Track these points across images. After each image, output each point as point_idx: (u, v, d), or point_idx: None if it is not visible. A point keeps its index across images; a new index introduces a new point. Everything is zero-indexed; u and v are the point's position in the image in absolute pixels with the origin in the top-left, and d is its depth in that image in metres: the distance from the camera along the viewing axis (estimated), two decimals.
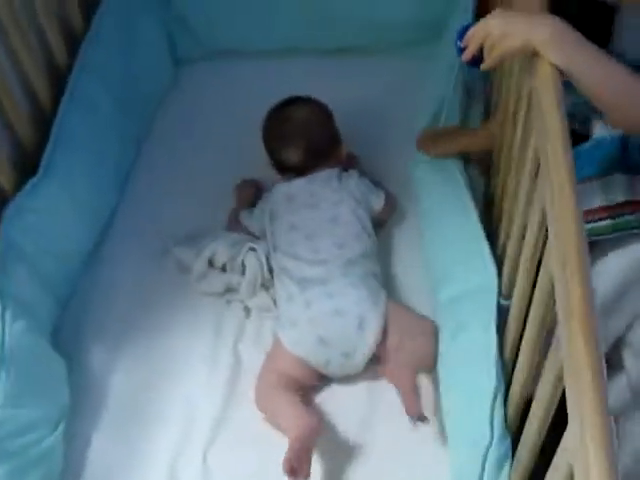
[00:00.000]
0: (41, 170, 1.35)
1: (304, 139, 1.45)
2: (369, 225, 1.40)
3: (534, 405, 0.90)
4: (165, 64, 1.77)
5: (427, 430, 1.18)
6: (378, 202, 1.45)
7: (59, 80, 1.50)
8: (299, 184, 1.43)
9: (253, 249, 1.37)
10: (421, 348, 1.25)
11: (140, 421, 1.24)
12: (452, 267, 1.31)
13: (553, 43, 0.98)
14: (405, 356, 1.22)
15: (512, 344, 1.12)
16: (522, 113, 1.11)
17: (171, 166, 1.62)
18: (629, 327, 1.14)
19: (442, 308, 1.29)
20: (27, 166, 1.37)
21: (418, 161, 1.50)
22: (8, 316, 1.15)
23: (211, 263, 1.40)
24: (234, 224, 1.48)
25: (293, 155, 1.45)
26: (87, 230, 1.43)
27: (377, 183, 1.50)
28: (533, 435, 0.91)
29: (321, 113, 1.48)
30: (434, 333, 1.26)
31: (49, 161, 1.37)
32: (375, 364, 1.27)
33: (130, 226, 1.50)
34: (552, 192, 0.85)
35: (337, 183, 1.43)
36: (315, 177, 1.43)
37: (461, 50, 1.10)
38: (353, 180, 1.45)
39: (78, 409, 1.23)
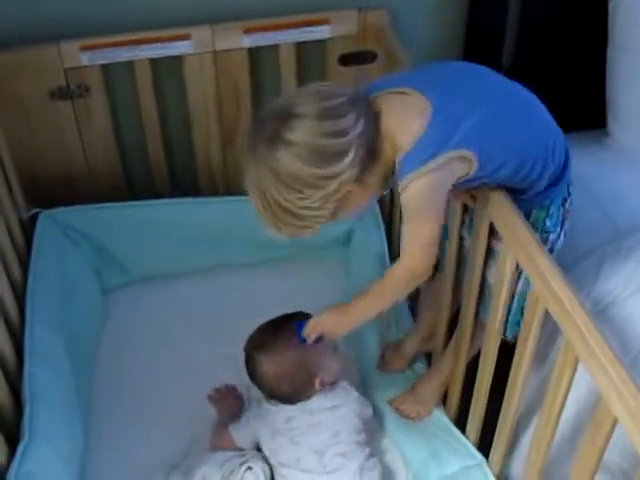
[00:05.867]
0: (26, 433, 1.33)
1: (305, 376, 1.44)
2: (365, 435, 1.47)
3: None
4: (96, 296, 1.82)
5: None
6: (369, 410, 1.51)
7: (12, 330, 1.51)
8: (296, 407, 1.45)
9: (250, 468, 1.41)
10: None
11: None
12: (437, 452, 1.44)
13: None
14: None
15: None
16: None
17: (124, 397, 1.63)
18: None
19: None
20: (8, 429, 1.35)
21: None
22: None
23: None
24: (221, 438, 1.50)
25: (287, 388, 1.44)
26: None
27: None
28: None
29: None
30: None
31: (30, 422, 1.35)
32: None
33: (108, 473, 1.49)
34: None
35: (334, 401, 1.46)
36: (310, 400, 1.45)
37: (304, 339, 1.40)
38: (352, 395, 1.49)
39: None
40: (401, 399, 1.55)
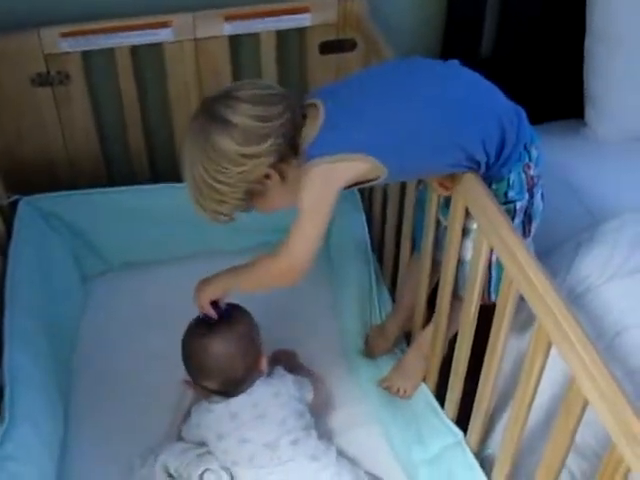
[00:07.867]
0: (6, 416, 1.34)
1: (224, 373, 1.43)
2: (310, 418, 1.49)
3: None
4: (76, 283, 1.83)
5: None
6: (309, 394, 1.53)
7: None
8: (239, 401, 1.44)
9: (208, 469, 1.40)
10: None
11: None
12: (420, 434, 1.46)
13: None
14: None
15: None
16: None
17: (104, 384, 1.64)
18: None
19: (419, 467, 1.44)
20: None
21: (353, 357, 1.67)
22: None
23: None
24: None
25: (213, 385, 1.44)
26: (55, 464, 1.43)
27: (300, 369, 1.61)
28: None
29: (243, 335, 1.46)
30: None
31: (11, 405, 1.36)
32: None
33: (88, 457, 1.50)
34: None
35: (275, 387, 1.47)
36: (252, 390, 1.45)
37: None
38: (288, 380, 1.50)
39: None
40: (388, 377, 1.59)
